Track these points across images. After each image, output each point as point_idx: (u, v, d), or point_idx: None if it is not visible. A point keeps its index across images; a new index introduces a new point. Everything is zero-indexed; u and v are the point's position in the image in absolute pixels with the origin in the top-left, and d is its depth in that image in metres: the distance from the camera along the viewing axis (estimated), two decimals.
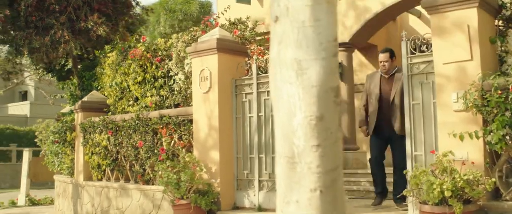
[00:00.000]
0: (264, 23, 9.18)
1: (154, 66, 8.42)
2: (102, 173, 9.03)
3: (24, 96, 34.84)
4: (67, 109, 11.68)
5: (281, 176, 1.82)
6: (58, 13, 9.80)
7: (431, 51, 5.36)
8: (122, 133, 8.33)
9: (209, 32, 7.49)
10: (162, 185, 6.81)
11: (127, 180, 8.54)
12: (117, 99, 9.25)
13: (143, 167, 8.01)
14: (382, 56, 6.41)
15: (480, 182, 4.67)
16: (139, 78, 8.64)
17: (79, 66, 11.49)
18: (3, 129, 27.69)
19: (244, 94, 7.11)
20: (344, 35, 10.36)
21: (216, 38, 7.03)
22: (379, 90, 6.37)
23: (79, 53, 11.55)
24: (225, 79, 7.10)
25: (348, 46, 10.43)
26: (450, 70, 5.17)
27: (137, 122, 7.99)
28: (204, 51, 7.13)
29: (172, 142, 7.50)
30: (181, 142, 7.42)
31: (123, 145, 8.34)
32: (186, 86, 7.84)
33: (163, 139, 7.51)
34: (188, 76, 7.77)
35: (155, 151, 7.66)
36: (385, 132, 6.35)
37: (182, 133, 7.42)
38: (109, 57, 9.51)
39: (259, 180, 6.85)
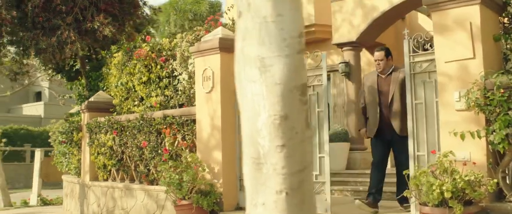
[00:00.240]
0: None
1: (158, 66, 8.40)
2: (108, 173, 9.04)
3: (38, 97, 35.14)
4: (75, 109, 11.73)
5: (248, 177, 1.76)
6: (65, 13, 9.83)
7: (434, 49, 5.27)
8: (127, 133, 8.32)
9: (212, 31, 7.45)
10: (165, 185, 6.78)
11: (132, 180, 8.53)
12: (123, 99, 9.25)
13: (148, 167, 7.99)
14: (377, 55, 6.26)
15: (482, 183, 4.56)
16: (144, 78, 8.63)
17: (87, 67, 11.52)
18: (17, 129, 27.96)
19: None
20: (352, 34, 10.27)
21: (218, 38, 6.98)
22: (377, 91, 6.21)
23: (87, 53, 11.58)
24: (228, 79, 7.04)
25: (356, 45, 10.34)
26: (452, 68, 5.07)
27: (141, 122, 7.97)
28: (207, 50, 7.08)
29: (176, 142, 7.46)
30: (185, 142, 7.38)
31: (128, 145, 8.33)
32: (190, 86, 7.81)
33: (166, 139, 7.48)
34: (191, 76, 7.73)
35: (159, 151, 7.63)
36: (387, 134, 6.18)
37: (186, 133, 7.38)
38: (115, 57, 9.51)
39: None
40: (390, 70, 6.23)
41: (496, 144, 4.71)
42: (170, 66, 8.25)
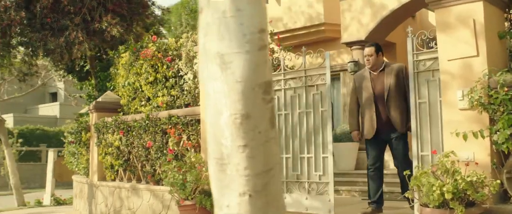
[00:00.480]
0: (271, 22, 9.02)
1: (165, 66, 8.39)
2: (115, 173, 9.04)
3: (54, 97, 35.44)
4: (85, 109, 11.78)
5: (213, 179, 1.70)
6: (73, 14, 9.86)
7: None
8: (133, 133, 8.32)
9: None
10: (168, 185, 6.75)
11: (139, 180, 8.53)
12: (130, 99, 9.25)
13: (154, 167, 7.98)
14: (366, 50, 6.05)
15: (485, 183, 4.44)
16: (151, 78, 8.62)
17: (97, 67, 11.56)
18: (33, 130, 28.21)
19: None
20: (361, 33, 10.16)
21: None
22: (372, 89, 5.93)
23: (97, 54, 11.61)
24: None
25: (365, 44, 10.20)
26: (456, 67, 4.96)
27: (147, 122, 7.96)
28: None
29: (181, 142, 7.44)
30: (189, 142, 7.35)
31: (134, 145, 8.33)
32: (195, 86, 7.78)
33: (170, 139, 7.46)
34: (196, 76, 7.70)
35: (164, 151, 7.62)
36: (384, 134, 5.90)
37: (190, 133, 7.35)
38: (122, 57, 9.53)
39: None
40: (382, 66, 5.99)
41: (500, 143, 4.59)
42: (176, 66, 8.23)
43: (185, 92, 8.03)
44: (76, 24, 9.78)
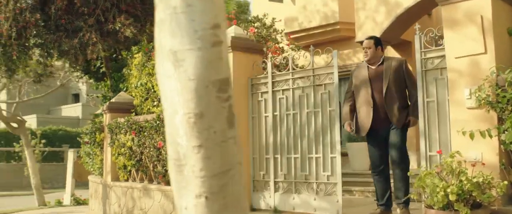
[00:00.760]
0: (280, 20, 8.94)
1: None
2: (128, 173, 9.07)
3: (76, 98, 35.87)
4: (101, 110, 11.85)
5: (172, 180, 1.66)
6: (87, 15, 9.92)
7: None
8: (145, 133, 8.33)
9: None
10: None
11: (151, 180, 8.54)
12: (143, 100, 9.27)
13: (165, 168, 7.97)
14: (365, 43, 5.78)
15: (492, 185, 4.32)
16: None
17: (112, 68, 11.63)
18: (56, 131, 28.58)
19: (260, 94, 6.95)
20: (375, 32, 10.02)
21: (231, 37, 6.90)
22: (370, 84, 5.66)
23: (113, 55, 11.67)
24: (241, 78, 6.96)
25: None
26: (463, 64, 4.84)
27: (158, 122, 7.96)
28: None
29: None
30: None
31: (146, 145, 8.34)
32: None
33: None
34: None
35: None
36: (381, 129, 5.61)
37: None
38: (135, 58, 9.55)
39: (274, 181, 6.68)
40: (381, 60, 5.72)
41: (508, 143, 4.46)
42: None
43: None
44: (90, 25, 9.84)
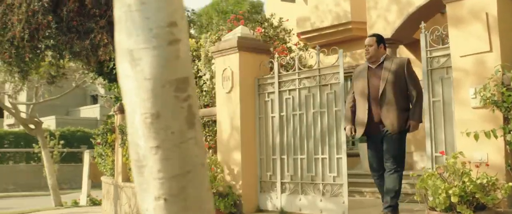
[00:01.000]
0: (287, 20, 8.86)
1: None
2: None
3: (94, 99, 36.22)
4: (112, 111, 11.93)
5: (135, 182, 1.62)
6: (98, 17, 9.97)
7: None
8: None
9: (232, 30, 7.34)
10: None
11: None
12: None
13: None
14: (367, 40, 5.52)
15: (497, 186, 4.21)
16: None
17: None
18: (74, 132, 28.88)
19: (266, 94, 6.91)
20: (387, 31, 9.90)
21: (237, 37, 6.87)
22: (367, 84, 5.40)
23: None
24: (248, 78, 6.92)
25: (391, 42, 9.93)
26: (468, 63, 4.74)
27: None
28: (226, 50, 6.98)
29: None
30: (206, 143, 7.30)
31: None
32: (212, 86, 7.73)
33: None
34: (214, 76, 7.65)
35: None
36: (377, 133, 5.36)
37: (207, 134, 7.30)
38: None
39: (281, 182, 6.62)
40: (382, 59, 5.44)
41: None
42: (196, 66, 8.20)
43: (204, 93, 8.00)
44: (101, 27, 9.88)
